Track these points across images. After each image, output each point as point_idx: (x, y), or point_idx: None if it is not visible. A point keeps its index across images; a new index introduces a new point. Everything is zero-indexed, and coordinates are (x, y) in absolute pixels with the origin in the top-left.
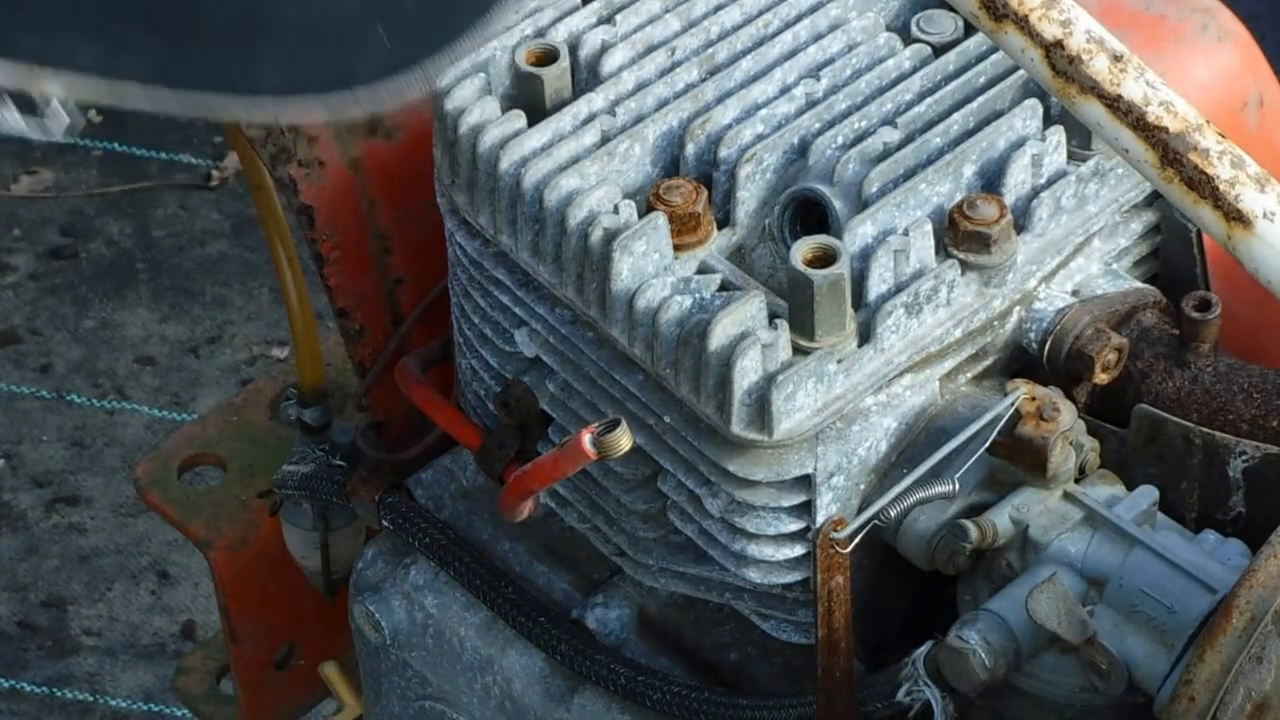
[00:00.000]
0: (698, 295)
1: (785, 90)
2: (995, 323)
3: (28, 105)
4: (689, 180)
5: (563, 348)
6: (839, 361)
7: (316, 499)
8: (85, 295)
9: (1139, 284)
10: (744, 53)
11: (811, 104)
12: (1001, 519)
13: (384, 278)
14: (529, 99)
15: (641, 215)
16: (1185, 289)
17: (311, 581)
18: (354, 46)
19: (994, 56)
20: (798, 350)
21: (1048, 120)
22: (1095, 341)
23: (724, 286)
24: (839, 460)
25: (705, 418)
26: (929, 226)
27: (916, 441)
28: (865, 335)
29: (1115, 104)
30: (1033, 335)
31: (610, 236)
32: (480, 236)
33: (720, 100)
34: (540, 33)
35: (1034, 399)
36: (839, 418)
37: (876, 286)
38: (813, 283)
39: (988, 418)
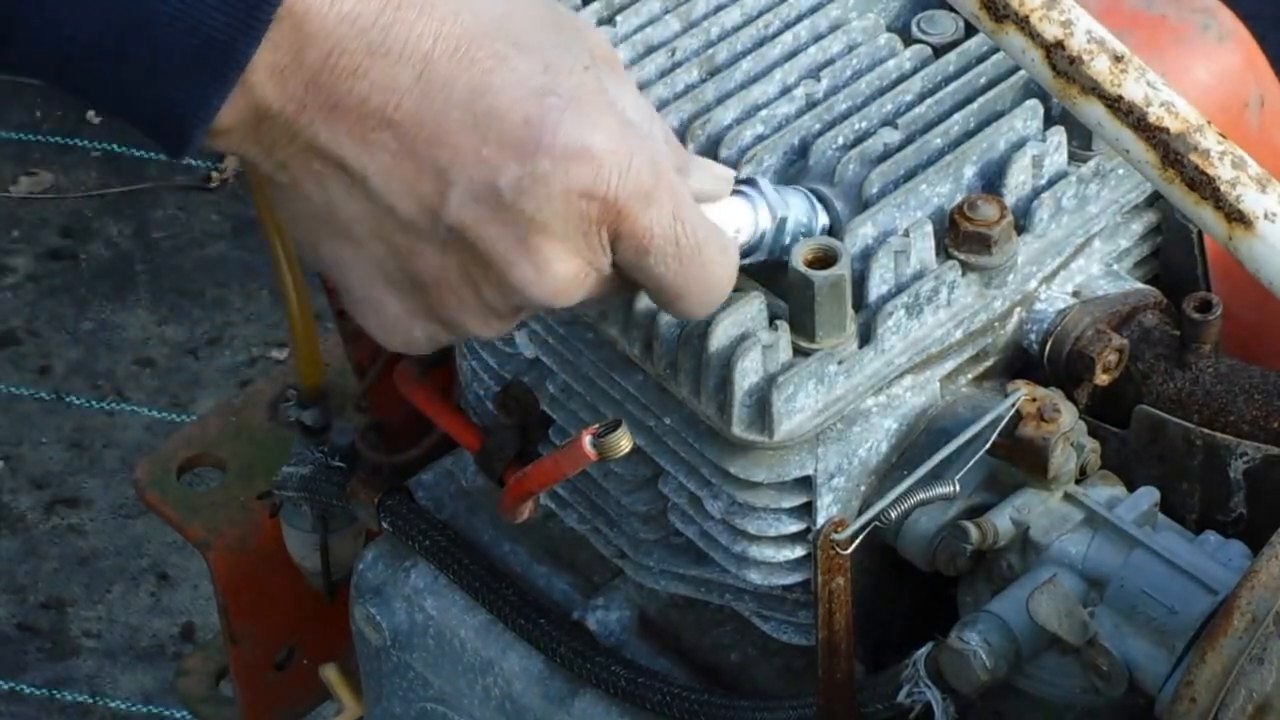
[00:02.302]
0: None
1: (785, 91)
2: (996, 324)
3: None
4: None
5: (562, 348)
6: (840, 363)
7: (316, 501)
8: (84, 296)
9: (1140, 285)
10: (744, 53)
11: (812, 105)
12: (1002, 520)
13: None
14: None
15: None
16: (1186, 290)
17: (311, 583)
18: None
19: (995, 57)
20: (798, 351)
21: (1048, 121)
22: (1096, 342)
23: None
24: (839, 461)
25: (705, 419)
26: (929, 227)
27: (917, 443)
28: (866, 336)
29: (1116, 105)
30: (1033, 336)
31: None
32: None
33: (720, 101)
34: None
35: (1035, 400)
36: (839, 419)
37: (877, 287)
38: (813, 284)
39: (988, 419)
